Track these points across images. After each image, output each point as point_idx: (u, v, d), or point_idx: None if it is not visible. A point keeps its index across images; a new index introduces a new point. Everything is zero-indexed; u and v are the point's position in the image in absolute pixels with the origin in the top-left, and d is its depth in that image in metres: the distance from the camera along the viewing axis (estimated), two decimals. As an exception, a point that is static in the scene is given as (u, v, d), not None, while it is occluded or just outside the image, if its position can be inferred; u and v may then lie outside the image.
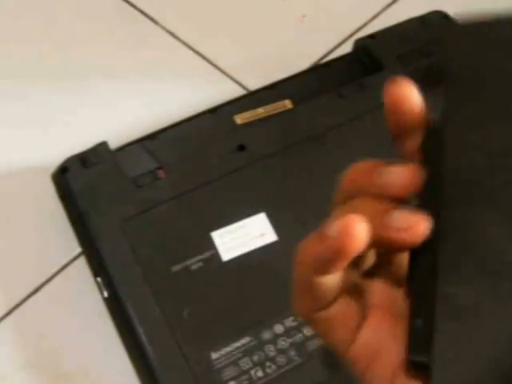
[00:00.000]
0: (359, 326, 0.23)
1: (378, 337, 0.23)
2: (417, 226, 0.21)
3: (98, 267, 0.46)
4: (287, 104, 0.56)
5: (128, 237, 0.46)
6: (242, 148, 0.50)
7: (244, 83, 0.60)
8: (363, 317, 0.23)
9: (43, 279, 0.50)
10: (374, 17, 0.63)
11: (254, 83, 0.59)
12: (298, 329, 0.44)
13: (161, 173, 0.49)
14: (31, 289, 0.50)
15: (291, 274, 0.45)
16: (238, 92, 0.59)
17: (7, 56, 0.60)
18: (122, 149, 0.51)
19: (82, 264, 0.50)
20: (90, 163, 0.49)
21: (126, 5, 0.63)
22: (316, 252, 0.23)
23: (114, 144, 0.52)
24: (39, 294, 0.50)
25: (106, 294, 0.46)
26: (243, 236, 0.47)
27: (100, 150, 0.50)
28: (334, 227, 0.22)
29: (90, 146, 0.50)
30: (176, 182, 0.48)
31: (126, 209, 0.47)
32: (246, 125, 0.53)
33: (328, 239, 0.22)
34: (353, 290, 0.24)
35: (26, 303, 0.49)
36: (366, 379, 0.23)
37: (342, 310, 0.23)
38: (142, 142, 0.52)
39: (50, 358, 0.47)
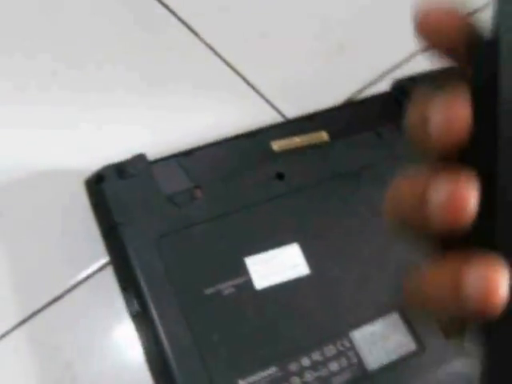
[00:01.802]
0: None
1: None
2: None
3: (129, 282, 0.46)
4: (324, 136, 0.56)
5: (162, 254, 0.46)
6: (280, 176, 0.50)
7: (279, 107, 0.60)
8: None
9: (65, 288, 0.49)
10: (413, 55, 0.63)
11: (288, 108, 0.60)
12: (324, 363, 0.44)
13: (198, 192, 0.49)
14: (52, 297, 0.49)
15: (319, 309, 0.46)
16: (271, 115, 0.60)
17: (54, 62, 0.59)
18: (158, 162, 0.51)
19: (107, 275, 0.50)
20: (127, 174, 0.49)
21: (169, 14, 0.63)
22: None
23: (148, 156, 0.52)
24: (60, 302, 0.48)
25: (134, 311, 0.45)
26: (276, 265, 0.47)
27: (138, 162, 0.49)
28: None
29: (128, 157, 0.50)
30: (213, 204, 0.48)
31: (162, 225, 0.47)
32: (283, 152, 0.54)
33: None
34: None
35: (44, 312, 0.48)
36: None
37: None
38: (177, 157, 0.52)
39: (64, 372, 0.46)
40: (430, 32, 0.21)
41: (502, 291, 0.18)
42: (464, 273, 0.19)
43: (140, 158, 0.50)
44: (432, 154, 0.21)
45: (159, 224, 0.47)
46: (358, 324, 0.45)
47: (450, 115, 0.20)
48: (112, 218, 0.47)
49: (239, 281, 0.46)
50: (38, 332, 0.48)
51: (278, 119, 0.59)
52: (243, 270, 0.46)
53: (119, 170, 0.49)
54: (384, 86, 0.60)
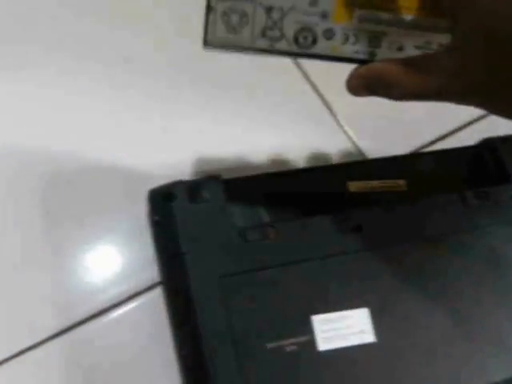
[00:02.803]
0: None
1: None
2: None
3: (184, 318, 0.42)
4: (402, 184, 0.53)
5: (225, 295, 0.42)
6: (358, 229, 0.47)
7: (355, 140, 0.56)
8: None
9: (108, 303, 0.46)
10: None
11: (365, 143, 0.56)
12: None
13: (271, 232, 0.45)
14: (93, 311, 0.45)
15: (380, 382, 0.43)
16: (347, 146, 0.56)
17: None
18: (230, 183, 0.47)
19: (154, 296, 0.46)
20: (199, 198, 0.45)
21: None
22: None
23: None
24: (100, 318, 0.45)
25: (184, 350, 0.42)
26: (343, 328, 0.44)
27: (212, 185, 0.45)
28: None
29: (202, 177, 0.46)
30: (285, 248, 0.45)
31: (229, 263, 0.43)
32: (358, 195, 0.50)
33: None
34: None
35: (83, 326, 0.45)
36: None
37: None
38: (252, 182, 0.48)
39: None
40: None
41: None
42: None
43: (215, 181, 0.46)
44: None
45: (226, 261, 0.43)
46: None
47: None
48: (178, 246, 0.43)
49: (302, 339, 0.43)
50: (73, 347, 0.44)
51: (353, 152, 0.55)
52: (308, 329, 0.43)
53: (192, 191, 0.45)
54: (469, 136, 0.56)
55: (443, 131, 0.58)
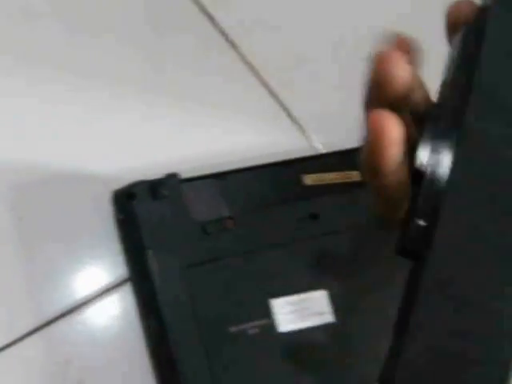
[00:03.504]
0: None
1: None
2: None
3: (151, 309, 0.45)
4: (355, 176, 0.56)
5: (188, 285, 0.44)
6: (314, 217, 0.49)
7: (311, 137, 0.59)
8: None
9: (79, 301, 0.48)
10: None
11: (321, 140, 0.59)
12: (338, 416, 0.44)
13: (230, 223, 0.48)
14: (67, 308, 0.47)
15: (339, 360, 0.45)
16: (303, 144, 0.59)
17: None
18: (190, 182, 0.50)
19: (124, 292, 0.48)
20: (159, 195, 0.47)
21: (212, 29, 0.60)
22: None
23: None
24: (74, 315, 0.47)
25: (152, 338, 0.44)
26: (302, 310, 0.46)
27: (171, 182, 0.48)
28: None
29: (161, 176, 0.49)
30: (244, 237, 0.47)
31: (191, 255, 0.46)
32: (314, 187, 0.53)
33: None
34: None
35: (58, 322, 0.47)
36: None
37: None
38: (210, 179, 0.50)
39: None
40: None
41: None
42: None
43: (174, 179, 0.48)
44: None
45: (188, 253, 0.46)
46: (375, 380, 0.45)
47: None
48: (141, 241, 0.45)
49: (264, 322, 0.45)
50: (49, 343, 0.46)
51: (310, 149, 0.58)
52: (268, 312, 0.45)
53: (152, 189, 0.47)
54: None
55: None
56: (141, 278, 0.46)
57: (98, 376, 0.46)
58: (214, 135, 0.56)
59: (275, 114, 0.59)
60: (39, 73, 0.55)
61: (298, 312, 0.46)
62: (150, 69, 0.57)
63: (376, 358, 0.45)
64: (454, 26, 0.25)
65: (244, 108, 0.58)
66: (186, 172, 0.51)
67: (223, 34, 0.61)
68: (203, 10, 0.61)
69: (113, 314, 0.48)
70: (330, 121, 0.59)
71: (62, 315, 0.47)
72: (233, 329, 0.44)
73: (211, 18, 0.61)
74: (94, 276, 0.49)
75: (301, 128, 0.59)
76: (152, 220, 0.46)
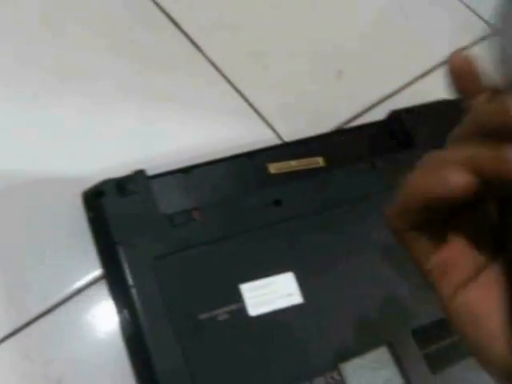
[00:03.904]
0: (466, 283, 0.23)
1: (483, 302, 0.23)
2: None
3: (124, 302, 0.46)
4: (319, 161, 0.57)
5: (158, 276, 0.46)
6: (278, 203, 0.51)
7: (276, 128, 0.60)
8: (476, 273, 0.23)
9: (57, 300, 0.49)
10: (409, 85, 0.65)
11: (285, 130, 0.60)
12: (311, 393, 0.46)
13: (196, 214, 0.49)
14: (43, 309, 0.49)
15: (310, 339, 0.47)
16: (268, 135, 0.60)
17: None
18: (157, 178, 0.51)
19: (100, 289, 0.50)
20: (127, 191, 0.48)
21: (172, 26, 0.62)
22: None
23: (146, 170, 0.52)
24: (51, 315, 0.48)
25: (127, 330, 0.46)
26: (271, 293, 0.47)
27: (138, 179, 0.49)
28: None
29: (128, 173, 0.50)
30: (210, 227, 0.49)
31: (159, 246, 0.47)
32: (278, 175, 0.54)
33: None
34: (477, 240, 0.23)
35: (36, 323, 0.48)
36: (467, 339, 0.23)
37: (456, 256, 0.23)
38: (176, 174, 0.52)
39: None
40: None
41: None
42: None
43: (141, 175, 0.50)
44: None
45: (157, 245, 0.47)
46: (347, 356, 0.46)
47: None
48: (110, 237, 0.47)
49: (233, 307, 0.46)
50: (28, 344, 0.47)
51: (275, 140, 0.60)
52: (238, 297, 0.47)
53: (119, 187, 0.49)
54: (380, 113, 0.61)
55: (358, 110, 0.63)
56: (113, 273, 0.47)
57: (78, 374, 0.47)
58: (181, 132, 0.58)
59: (240, 109, 0.61)
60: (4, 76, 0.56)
61: (267, 295, 0.47)
62: (116, 69, 0.59)
63: (344, 335, 0.47)
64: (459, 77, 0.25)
65: (209, 104, 0.60)
66: (155, 169, 0.53)
67: (185, 34, 0.62)
68: (165, 13, 0.63)
69: (90, 311, 0.49)
70: (291, 111, 0.61)
71: (41, 315, 0.48)
72: (203, 316, 0.45)
73: (173, 20, 0.63)
74: (70, 275, 0.50)
75: (264, 120, 0.60)
76: (120, 216, 0.48)
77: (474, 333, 0.22)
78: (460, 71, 0.24)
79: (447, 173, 0.22)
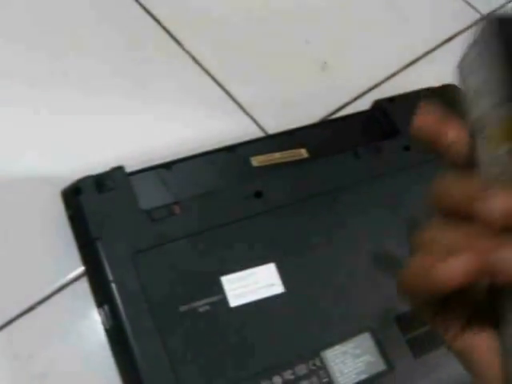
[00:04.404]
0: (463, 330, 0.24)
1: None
2: None
3: (104, 297, 0.46)
4: (303, 153, 0.57)
5: (138, 270, 0.46)
6: (258, 195, 0.50)
7: (259, 122, 0.60)
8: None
9: (39, 297, 0.49)
10: (393, 76, 0.64)
11: (269, 123, 0.60)
12: (295, 383, 0.45)
13: (176, 208, 0.49)
14: (26, 306, 0.49)
15: (292, 328, 0.46)
16: (252, 129, 0.60)
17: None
18: (136, 174, 0.51)
19: (82, 286, 0.50)
20: (105, 188, 0.48)
21: (151, 20, 0.62)
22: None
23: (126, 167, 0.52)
24: (34, 312, 0.48)
25: (108, 325, 0.46)
26: (252, 284, 0.47)
27: (116, 175, 0.49)
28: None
29: (106, 169, 0.50)
30: (191, 220, 0.48)
31: (139, 241, 0.47)
32: (261, 168, 0.54)
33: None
34: None
35: (19, 320, 0.48)
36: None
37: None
38: (156, 170, 0.52)
39: (37, 382, 0.47)
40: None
41: None
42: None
43: (119, 171, 0.50)
44: None
45: (136, 239, 0.47)
46: (329, 343, 0.46)
47: None
48: (89, 233, 0.47)
49: (214, 299, 0.46)
50: (11, 341, 0.48)
51: (259, 134, 0.59)
52: (219, 288, 0.46)
53: (97, 183, 0.49)
54: (366, 104, 0.61)
55: (344, 101, 0.62)
56: (93, 269, 0.47)
57: (61, 368, 0.47)
58: (163, 127, 0.58)
59: (222, 102, 0.61)
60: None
61: (248, 286, 0.47)
62: (94, 65, 0.59)
63: (325, 323, 0.47)
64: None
65: (191, 99, 0.60)
66: (137, 166, 0.53)
67: (166, 29, 0.63)
68: (144, 7, 0.63)
69: (73, 307, 0.49)
70: (276, 104, 0.61)
71: (24, 312, 0.48)
72: (183, 308, 0.45)
73: (152, 15, 0.63)
74: (53, 273, 0.50)
75: (248, 113, 0.60)
76: (99, 212, 0.48)
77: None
78: (427, 132, 0.25)
79: (457, 264, 0.22)
